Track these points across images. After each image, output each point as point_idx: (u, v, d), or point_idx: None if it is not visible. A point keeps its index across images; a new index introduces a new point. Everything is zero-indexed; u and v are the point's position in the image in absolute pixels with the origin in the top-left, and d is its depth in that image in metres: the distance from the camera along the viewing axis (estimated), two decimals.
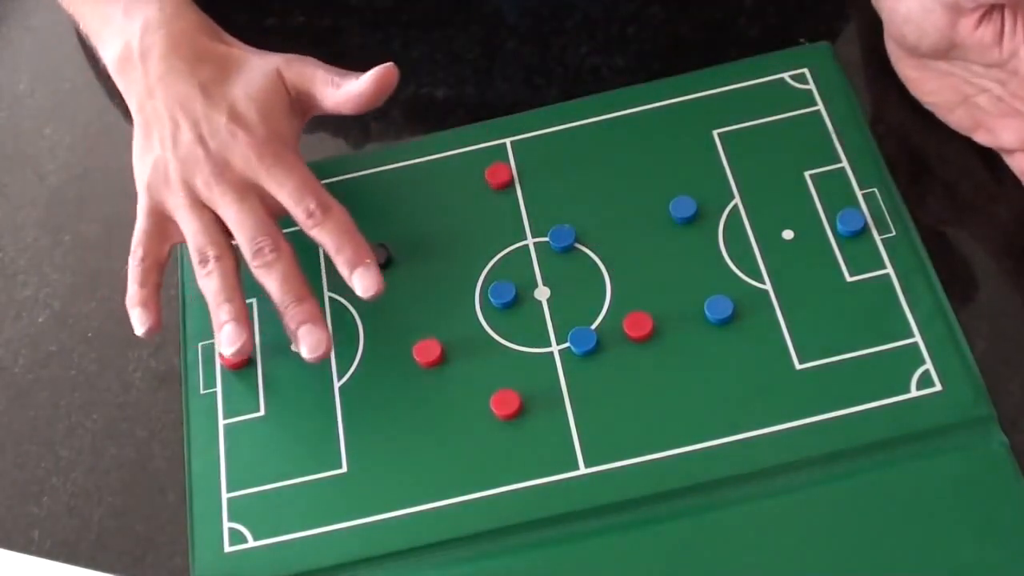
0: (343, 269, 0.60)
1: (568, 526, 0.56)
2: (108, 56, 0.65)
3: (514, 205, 0.66)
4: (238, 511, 0.59)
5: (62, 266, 0.69)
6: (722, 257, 0.62)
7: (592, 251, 0.63)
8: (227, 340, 0.59)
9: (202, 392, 0.62)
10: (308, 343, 0.58)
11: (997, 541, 0.53)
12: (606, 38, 0.72)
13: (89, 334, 0.66)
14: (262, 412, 0.61)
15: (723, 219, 0.63)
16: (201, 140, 0.61)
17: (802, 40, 0.69)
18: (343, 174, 0.68)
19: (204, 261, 0.60)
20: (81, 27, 0.69)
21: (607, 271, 0.63)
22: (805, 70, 0.67)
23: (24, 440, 0.63)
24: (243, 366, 0.62)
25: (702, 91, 0.68)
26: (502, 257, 0.64)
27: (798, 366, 0.58)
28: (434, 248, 0.65)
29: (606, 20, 0.72)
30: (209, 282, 0.60)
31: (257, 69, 0.63)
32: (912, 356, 0.58)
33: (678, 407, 0.58)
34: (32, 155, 0.74)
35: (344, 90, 0.62)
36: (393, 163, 0.68)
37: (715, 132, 0.66)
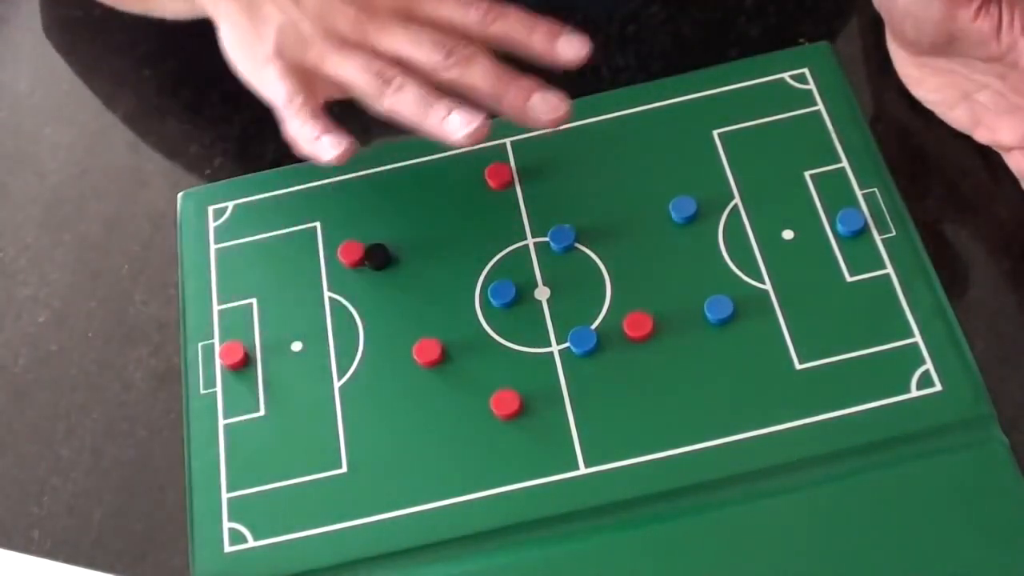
0: (543, 43, 0.57)
1: (568, 526, 0.56)
2: None
3: (514, 205, 0.66)
4: (238, 511, 0.59)
5: (62, 266, 0.69)
6: (722, 257, 0.62)
7: (592, 251, 0.63)
8: (463, 122, 0.55)
9: (202, 392, 0.62)
10: (546, 106, 0.56)
11: (997, 541, 0.53)
12: (606, 38, 0.72)
13: (89, 334, 0.66)
14: (262, 412, 0.61)
15: (723, 219, 0.63)
16: None
17: (802, 40, 0.69)
18: (343, 174, 0.68)
19: (387, 81, 0.56)
20: None
21: (607, 271, 0.63)
22: (805, 70, 0.67)
23: (24, 440, 0.63)
24: (243, 366, 0.63)
25: (702, 91, 0.68)
26: (502, 257, 0.64)
27: (798, 366, 0.58)
28: (434, 248, 0.65)
29: (606, 20, 0.72)
30: (404, 95, 0.56)
31: None
32: (912, 356, 0.58)
33: (678, 407, 0.58)
34: (32, 155, 0.74)
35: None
36: (393, 163, 0.68)
37: (715, 132, 0.66)
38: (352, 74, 0.57)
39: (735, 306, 0.60)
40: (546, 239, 0.64)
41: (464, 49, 0.56)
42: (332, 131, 0.57)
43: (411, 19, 0.58)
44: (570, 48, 0.57)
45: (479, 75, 0.56)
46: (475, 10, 0.58)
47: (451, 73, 0.57)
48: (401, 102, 0.56)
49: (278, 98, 0.58)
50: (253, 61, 0.60)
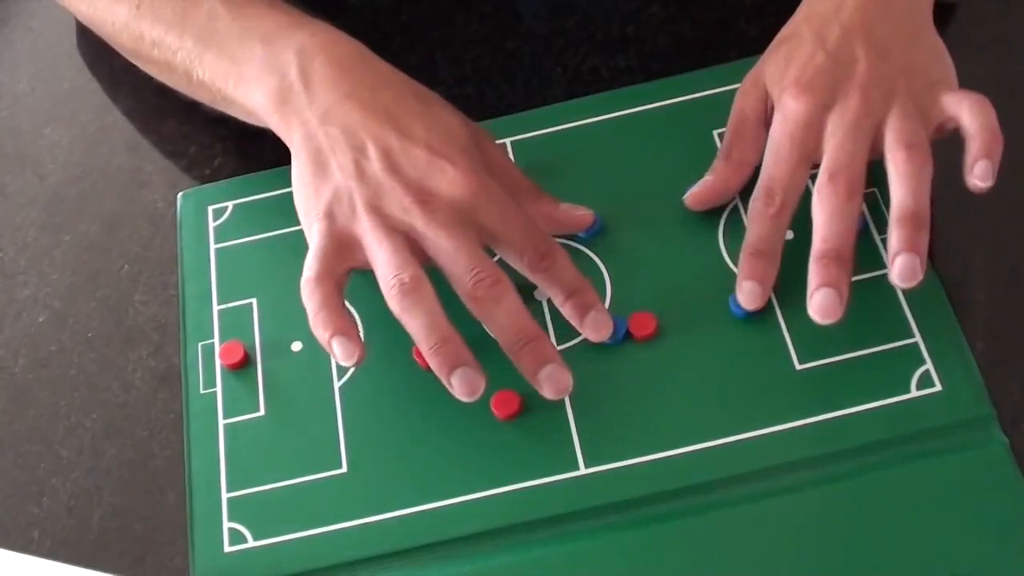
0: (574, 315, 0.58)
1: (568, 526, 0.56)
2: (256, 97, 0.62)
3: None
4: (238, 511, 0.59)
5: (62, 266, 0.69)
6: (722, 257, 0.62)
7: (592, 251, 0.63)
8: (466, 387, 0.55)
9: (202, 392, 0.62)
10: (551, 386, 0.56)
11: (997, 541, 0.53)
12: (606, 38, 0.72)
13: (89, 334, 0.66)
14: (262, 412, 0.61)
15: (723, 219, 0.63)
16: (394, 169, 0.58)
17: None
18: None
19: (401, 287, 0.56)
20: (200, 75, 0.64)
21: (607, 271, 0.63)
22: None
23: (24, 440, 0.63)
24: (243, 366, 0.62)
25: (702, 91, 0.68)
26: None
27: (798, 366, 0.58)
28: None
29: (606, 20, 0.72)
30: (413, 318, 0.56)
31: (437, 102, 0.61)
32: (912, 356, 0.58)
33: (678, 407, 0.58)
34: (32, 155, 0.74)
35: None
36: None
37: (715, 132, 0.66)
38: (379, 261, 0.57)
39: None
40: None
41: (493, 288, 0.56)
42: (341, 333, 0.56)
43: (468, 222, 0.57)
44: (593, 329, 0.59)
45: (500, 316, 0.56)
46: (532, 250, 0.58)
47: (471, 302, 0.57)
48: (406, 320, 0.56)
49: (307, 260, 0.58)
50: (306, 209, 0.60)
